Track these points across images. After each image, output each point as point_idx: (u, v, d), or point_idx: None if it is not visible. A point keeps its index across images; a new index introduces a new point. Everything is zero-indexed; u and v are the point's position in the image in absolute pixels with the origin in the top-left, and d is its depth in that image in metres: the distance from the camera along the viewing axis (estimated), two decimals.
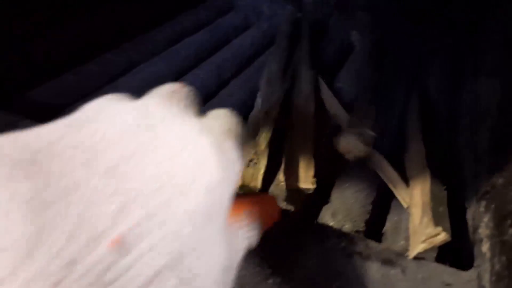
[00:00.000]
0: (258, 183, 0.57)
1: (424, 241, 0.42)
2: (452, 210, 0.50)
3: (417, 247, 0.42)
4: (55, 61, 0.77)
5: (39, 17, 0.76)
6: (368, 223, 0.56)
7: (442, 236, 0.41)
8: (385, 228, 0.56)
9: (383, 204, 0.59)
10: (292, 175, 0.58)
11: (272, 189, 0.60)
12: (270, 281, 0.37)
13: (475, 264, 0.43)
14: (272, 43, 1.02)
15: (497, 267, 0.38)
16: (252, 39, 1.00)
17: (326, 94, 0.76)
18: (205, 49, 0.95)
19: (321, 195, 0.59)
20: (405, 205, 0.56)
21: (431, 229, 0.42)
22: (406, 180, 0.59)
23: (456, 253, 0.48)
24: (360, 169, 0.63)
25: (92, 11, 0.87)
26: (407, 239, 0.51)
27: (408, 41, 1.07)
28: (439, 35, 1.08)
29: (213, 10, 1.16)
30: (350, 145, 0.60)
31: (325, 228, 0.45)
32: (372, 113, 0.67)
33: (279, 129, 0.66)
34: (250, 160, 0.56)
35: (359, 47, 1.04)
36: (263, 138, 0.59)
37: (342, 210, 0.57)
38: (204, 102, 0.78)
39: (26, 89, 0.70)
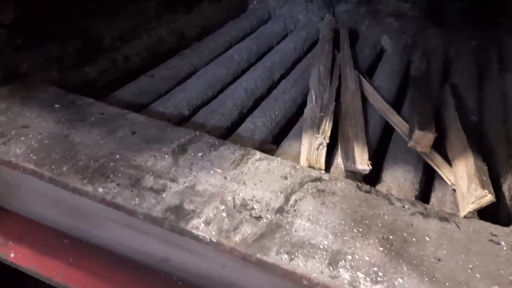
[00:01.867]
0: (322, 165, 0.67)
1: (473, 202, 0.52)
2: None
3: (467, 208, 0.52)
4: (135, 64, 0.89)
5: (123, 31, 0.88)
6: (417, 198, 0.66)
7: (489, 197, 0.51)
8: (431, 202, 0.66)
9: (428, 182, 0.70)
10: (349, 159, 0.68)
11: (332, 171, 0.70)
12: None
13: None
14: (311, 48, 1.13)
15: None
16: (294, 44, 1.11)
17: (369, 90, 0.87)
18: (254, 54, 1.06)
19: (375, 176, 0.69)
20: (449, 183, 0.66)
21: (480, 192, 0.52)
22: (448, 162, 0.69)
23: (496, 216, 0.58)
24: (407, 153, 0.73)
25: (160, 24, 0.99)
26: (452, 209, 0.61)
27: (434, 45, 1.17)
28: (462, 40, 1.18)
29: (253, 19, 1.27)
30: (423, 141, 0.68)
31: (390, 195, 0.55)
32: (430, 110, 0.77)
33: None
34: (320, 144, 0.66)
35: (391, 50, 1.15)
36: (327, 127, 0.69)
37: (394, 187, 0.67)
38: (260, 100, 0.89)
39: (113, 90, 0.81)
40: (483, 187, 0.53)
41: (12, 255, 0.60)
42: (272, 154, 0.67)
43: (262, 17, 1.30)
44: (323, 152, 0.69)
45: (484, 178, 0.56)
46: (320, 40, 1.05)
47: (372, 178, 0.69)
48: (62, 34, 0.75)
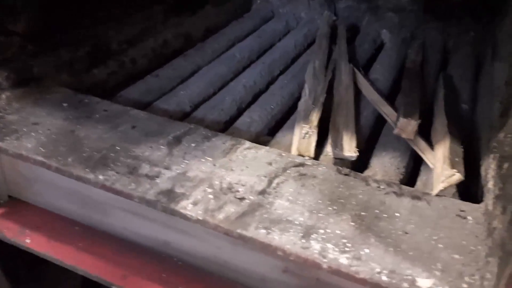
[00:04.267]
0: (311, 153, 0.71)
1: (443, 181, 0.56)
2: (471, 165, 0.63)
3: (438, 186, 0.56)
4: (142, 66, 0.95)
5: (130, 35, 0.94)
6: (402, 182, 0.70)
7: (457, 176, 0.55)
8: (416, 185, 0.69)
9: (414, 167, 0.73)
10: (337, 147, 0.73)
11: (322, 159, 0.74)
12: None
13: (484, 199, 0.57)
14: (311, 45, 1.17)
15: (496, 191, 0.52)
16: (295, 42, 1.16)
17: (363, 83, 0.91)
18: (255, 52, 1.11)
19: (363, 162, 0.73)
20: (431, 166, 0.70)
21: (448, 171, 0.56)
22: (432, 148, 0.73)
23: (474, 196, 0.61)
24: (397, 142, 0.76)
25: (165, 27, 1.05)
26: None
27: (433, 38, 1.20)
28: (461, 32, 1.20)
29: (257, 18, 1.32)
30: (408, 128, 0.72)
31: (368, 177, 0.60)
32: (417, 100, 0.81)
33: (324, 112, 0.81)
34: (306, 133, 0.70)
35: (390, 44, 1.19)
36: (315, 117, 0.74)
37: (381, 172, 0.71)
38: (259, 96, 0.94)
39: (122, 88, 0.87)
40: (453, 167, 0.57)
41: (28, 241, 0.66)
42: (267, 145, 0.72)
43: (266, 16, 1.35)
44: (312, 141, 0.73)
45: (457, 159, 0.60)
46: (317, 36, 1.10)
47: (361, 165, 0.74)
48: (73, 39, 0.82)
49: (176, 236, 0.62)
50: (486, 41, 1.11)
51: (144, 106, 0.84)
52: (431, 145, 0.73)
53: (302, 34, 1.20)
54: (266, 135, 0.82)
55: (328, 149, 0.74)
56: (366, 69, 1.01)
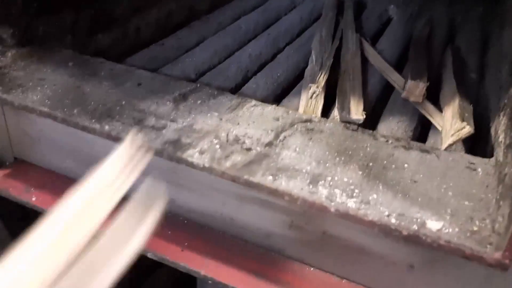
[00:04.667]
0: (318, 113, 0.71)
1: (453, 135, 0.55)
2: (480, 129, 0.63)
3: (447, 140, 0.55)
4: (145, 36, 0.95)
5: (135, 1, 0.93)
6: None
7: (467, 129, 0.55)
8: None
9: (422, 131, 0.73)
10: (344, 110, 0.72)
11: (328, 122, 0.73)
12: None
13: (494, 154, 0.56)
14: (317, 19, 1.16)
15: (506, 142, 0.51)
16: (301, 16, 1.15)
17: (371, 51, 0.90)
18: (261, 25, 1.10)
19: (370, 125, 0.73)
20: (439, 128, 0.69)
21: (458, 124, 0.55)
22: (441, 111, 0.72)
23: (482, 155, 0.61)
24: (404, 107, 0.76)
25: None
26: None
27: (440, 13, 1.18)
28: (469, 7, 1.19)
29: None
30: (416, 91, 0.71)
31: (376, 132, 0.59)
32: (425, 65, 0.80)
33: (331, 79, 0.80)
34: (313, 93, 0.70)
35: (397, 19, 1.18)
36: (322, 78, 0.73)
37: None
38: (264, 65, 0.93)
39: (125, 57, 0.87)
40: (463, 120, 0.56)
41: (33, 199, 0.66)
42: None
43: None
44: (319, 102, 0.73)
45: (466, 114, 0.59)
46: (324, 8, 1.09)
47: (369, 126, 0.73)
48: (76, 2, 0.81)
49: (181, 192, 0.61)
50: (494, 16, 1.10)
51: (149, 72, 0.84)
52: (439, 109, 0.73)
53: (308, 9, 1.19)
54: (272, 101, 0.81)
55: (335, 112, 0.73)
56: (372, 42, 1.00)
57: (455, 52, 0.94)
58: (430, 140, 0.69)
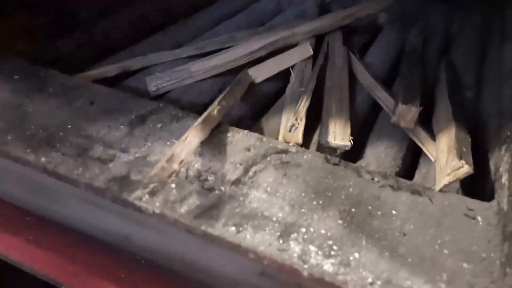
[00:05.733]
0: (299, 139, 0.63)
1: (449, 174, 0.47)
2: (477, 159, 0.55)
3: (443, 180, 0.48)
4: (115, 41, 0.86)
5: (101, 4, 0.85)
6: (398, 175, 0.62)
7: (466, 168, 0.47)
8: (414, 179, 0.61)
9: (412, 159, 0.65)
10: (329, 135, 0.64)
11: (311, 148, 0.66)
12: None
13: (495, 196, 0.48)
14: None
15: (511, 188, 0.44)
16: (287, 22, 1.07)
17: (358, 67, 0.82)
18: (243, 30, 1.02)
19: (356, 150, 0.65)
20: (432, 159, 0.62)
21: (456, 162, 0.47)
22: (433, 138, 0.64)
23: (482, 192, 0.53)
24: (393, 130, 0.68)
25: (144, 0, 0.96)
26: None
27: (435, 21, 1.11)
28: (466, 14, 1.12)
29: None
30: (408, 116, 0.63)
31: (361, 167, 0.51)
32: (418, 84, 0.72)
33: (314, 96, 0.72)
34: (292, 126, 0.61)
35: (388, 27, 1.10)
36: (302, 107, 0.65)
37: (375, 164, 0.63)
38: None
39: (88, 65, 0.78)
40: (460, 158, 0.48)
41: None
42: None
43: None
44: (299, 132, 0.64)
45: (464, 149, 0.51)
46: (306, 17, 1.01)
47: (353, 156, 0.65)
48: (33, 3, 0.72)
49: (138, 229, 0.53)
50: (492, 26, 1.03)
51: (112, 84, 0.75)
52: (431, 135, 0.65)
53: (295, 15, 1.11)
54: (249, 119, 0.73)
55: (320, 137, 0.65)
56: (361, 53, 0.92)
57: (450, 66, 0.87)
58: (422, 169, 0.62)
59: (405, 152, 0.65)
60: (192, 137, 0.47)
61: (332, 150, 0.63)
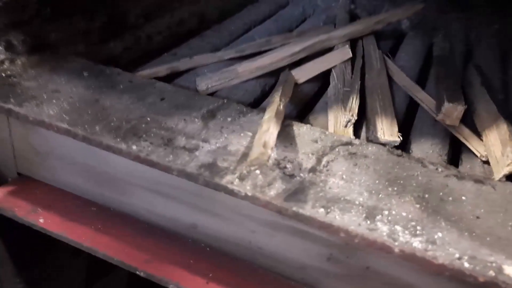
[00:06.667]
0: (350, 135, 0.66)
1: (508, 165, 0.51)
2: None
3: (502, 170, 0.51)
4: (157, 44, 0.89)
5: (147, 9, 0.88)
6: None
7: None
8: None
9: (456, 154, 0.69)
10: (378, 131, 0.67)
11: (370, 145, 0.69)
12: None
13: None
14: None
15: None
16: (315, 27, 1.11)
17: (394, 69, 0.86)
18: (274, 35, 1.06)
19: (403, 148, 0.68)
20: (478, 154, 0.65)
21: None
22: (476, 135, 0.68)
23: None
24: (433, 128, 0.72)
25: (182, 5, 0.99)
26: None
27: (455, 28, 1.16)
28: (485, 22, 1.17)
29: (272, 4, 1.27)
30: (453, 114, 0.67)
31: (423, 159, 0.55)
32: (459, 85, 0.76)
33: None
34: (348, 121, 0.65)
35: (411, 33, 1.14)
36: (355, 104, 0.69)
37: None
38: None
39: (135, 66, 0.81)
40: None
41: (41, 220, 0.60)
42: None
43: (280, 2, 1.30)
44: (350, 128, 0.68)
45: None
46: (337, 21, 1.05)
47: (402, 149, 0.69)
48: (89, 8, 0.75)
49: (204, 218, 0.56)
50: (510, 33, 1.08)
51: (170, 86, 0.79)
52: (475, 133, 0.69)
53: (321, 21, 1.16)
54: (295, 118, 0.77)
55: (368, 134, 0.69)
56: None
57: (478, 70, 0.91)
58: (465, 165, 0.66)
59: (449, 148, 0.69)
60: (273, 128, 0.50)
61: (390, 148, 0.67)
